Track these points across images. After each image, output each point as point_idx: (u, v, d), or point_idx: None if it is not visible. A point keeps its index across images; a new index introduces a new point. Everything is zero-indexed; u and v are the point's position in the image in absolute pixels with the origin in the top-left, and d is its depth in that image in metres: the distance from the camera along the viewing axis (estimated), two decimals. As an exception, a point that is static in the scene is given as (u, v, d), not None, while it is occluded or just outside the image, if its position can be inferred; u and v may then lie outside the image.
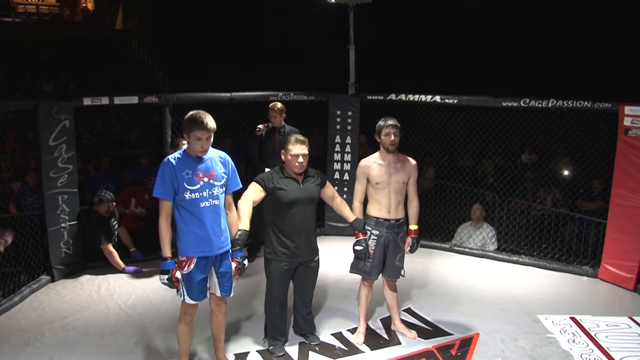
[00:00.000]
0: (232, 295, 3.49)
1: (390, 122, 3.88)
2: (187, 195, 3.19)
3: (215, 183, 3.27)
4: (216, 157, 3.34)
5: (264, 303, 3.91)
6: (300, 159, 3.62)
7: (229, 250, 3.40)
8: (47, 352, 3.87)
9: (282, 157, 3.71)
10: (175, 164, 3.20)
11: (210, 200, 3.25)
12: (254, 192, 3.63)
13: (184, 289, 3.29)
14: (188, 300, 3.32)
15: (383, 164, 3.89)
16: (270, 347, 3.87)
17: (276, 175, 3.69)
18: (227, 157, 3.41)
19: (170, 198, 3.20)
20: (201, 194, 3.22)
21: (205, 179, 3.24)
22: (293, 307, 4.01)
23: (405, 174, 3.91)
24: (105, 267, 5.48)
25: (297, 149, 3.62)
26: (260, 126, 5.41)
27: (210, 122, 3.18)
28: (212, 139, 3.24)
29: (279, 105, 5.47)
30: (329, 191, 3.86)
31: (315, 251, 3.85)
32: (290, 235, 3.67)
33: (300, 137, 3.66)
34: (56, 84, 14.55)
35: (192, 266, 3.27)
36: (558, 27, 12.21)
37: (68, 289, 5.00)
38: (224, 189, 3.35)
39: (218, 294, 3.42)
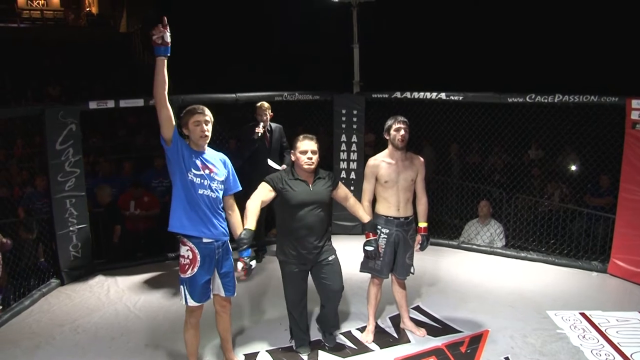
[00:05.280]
0: (235, 294, 3.48)
1: (400, 118, 3.91)
2: (190, 176, 3.20)
3: (215, 178, 3.30)
4: (216, 158, 3.38)
5: (274, 303, 3.89)
6: (309, 154, 3.56)
7: (229, 249, 3.40)
8: (57, 355, 3.90)
9: (292, 157, 3.67)
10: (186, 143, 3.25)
11: (209, 190, 3.26)
12: (264, 192, 3.58)
13: (186, 292, 3.28)
14: (191, 303, 3.30)
15: (391, 162, 3.89)
16: (298, 348, 3.87)
17: (286, 176, 3.64)
18: (227, 159, 3.44)
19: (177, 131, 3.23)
20: (202, 181, 3.23)
21: (207, 171, 3.27)
22: (320, 304, 3.92)
23: (413, 171, 3.91)
24: (113, 269, 5.51)
25: (306, 145, 3.57)
26: (259, 129, 5.41)
27: (205, 108, 3.26)
28: (211, 128, 3.26)
29: (267, 104, 5.53)
30: (342, 192, 3.79)
31: (327, 253, 3.72)
32: (299, 238, 3.59)
33: (309, 135, 3.62)
34: (62, 88, 14.60)
35: (195, 269, 3.25)
36: (563, 21, 12.13)
37: (77, 292, 5.03)
38: (223, 187, 3.36)
39: (222, 294, 3.42)
